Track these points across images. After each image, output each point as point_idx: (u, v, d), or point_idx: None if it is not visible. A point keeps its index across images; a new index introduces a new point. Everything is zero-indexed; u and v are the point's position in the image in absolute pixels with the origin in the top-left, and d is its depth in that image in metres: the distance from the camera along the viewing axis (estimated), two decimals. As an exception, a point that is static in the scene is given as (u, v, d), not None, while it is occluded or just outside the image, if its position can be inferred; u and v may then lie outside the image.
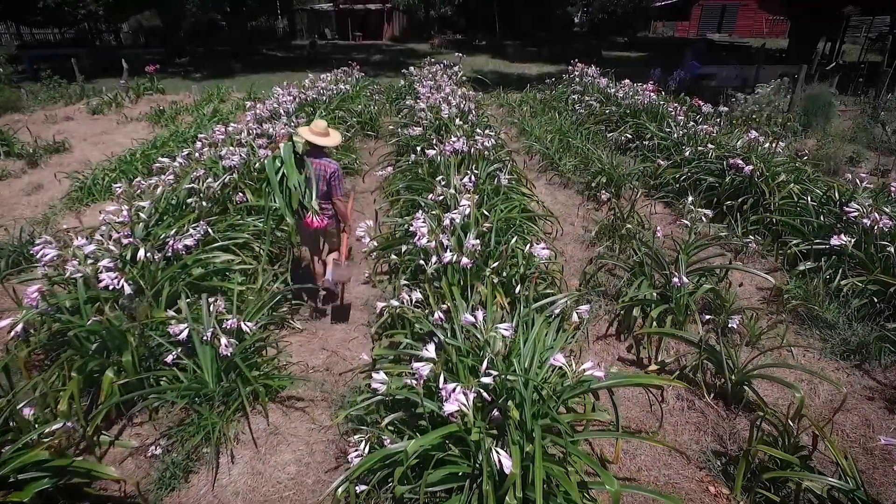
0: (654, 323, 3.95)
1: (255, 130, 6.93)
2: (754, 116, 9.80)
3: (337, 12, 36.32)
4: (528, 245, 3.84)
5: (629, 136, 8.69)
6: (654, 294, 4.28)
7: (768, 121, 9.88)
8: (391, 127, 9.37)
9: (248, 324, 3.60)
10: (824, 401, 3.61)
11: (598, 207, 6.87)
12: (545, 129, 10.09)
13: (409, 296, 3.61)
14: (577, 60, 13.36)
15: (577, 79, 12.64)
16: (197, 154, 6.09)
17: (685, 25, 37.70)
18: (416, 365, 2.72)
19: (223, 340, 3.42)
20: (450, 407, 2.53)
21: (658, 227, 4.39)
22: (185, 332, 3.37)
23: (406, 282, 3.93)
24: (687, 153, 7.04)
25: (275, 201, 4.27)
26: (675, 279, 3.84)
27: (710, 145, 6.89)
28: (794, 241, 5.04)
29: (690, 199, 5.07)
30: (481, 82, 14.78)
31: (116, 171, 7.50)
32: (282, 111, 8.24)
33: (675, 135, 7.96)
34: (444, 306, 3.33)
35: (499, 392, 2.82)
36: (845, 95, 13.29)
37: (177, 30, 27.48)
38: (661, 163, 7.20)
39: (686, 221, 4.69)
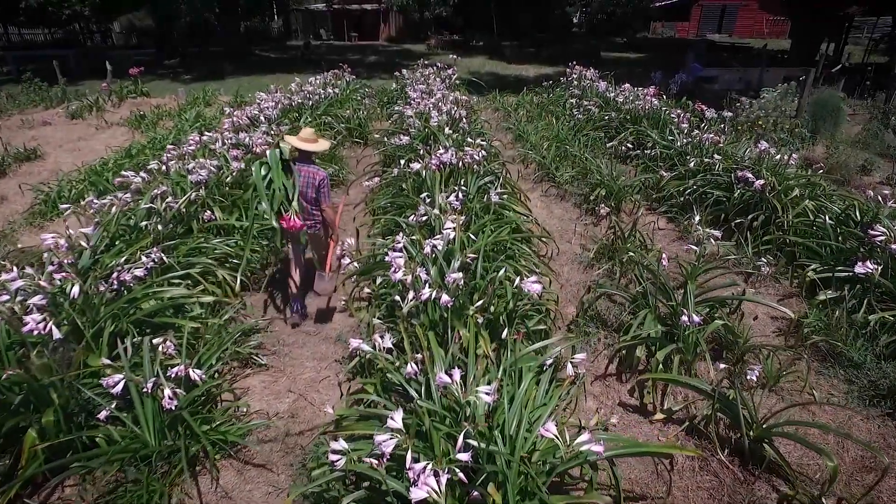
0: (660, 365, 3.51)
1: (231, 140, 6.47)
2: (760, 122, 9.36)
3: (332, 12, 35.85)
4: (518, 278, 3.39)
5: (629, 144, 8.25)
6: (660, 329, 3.83)
7: (774, 127, 9.45)
8: (377, 136, 8.90)
9: (197, 372, 3.15)
10: (854, 457, 3.17)
11: (597, 222, 6.43)
12: (542, 135, 9.65)
13: (382, 339, 3.16)
14: (574, 63, 12.91)
15: (576, 82, 12.19)
16: (164, 167, 5.63)
17: (685, 26, 37.31)
18: (378, 439, 2.27)
19: (167, 392, 2.97)
20: (418, 494, 2.08)
21: (664, 255, 3.95)
22: (121, 385, 2.92)
23: (379, 320, 3.48)
24: (692, 164, 6.59)
25: (262, 205, 4.16)
26: (684, 317, 3.39)
27: (716, 156, 6.45)
28: (812, 267, 4.59)
29: (697, 218, 4.63)
30: (477, 85, 14.34)
31: (85, 183, 7.04)
32: (262, 118, 7.78)
33: (679, 143, 7.51)
34: (419, 356, 2.88)
35: (481, 462, 2.38)
36: (852, 99, 12.87)
37: (170, 30, 26.96)
38: (664, 174, 6.75)
39: (694, 247, 4.25)
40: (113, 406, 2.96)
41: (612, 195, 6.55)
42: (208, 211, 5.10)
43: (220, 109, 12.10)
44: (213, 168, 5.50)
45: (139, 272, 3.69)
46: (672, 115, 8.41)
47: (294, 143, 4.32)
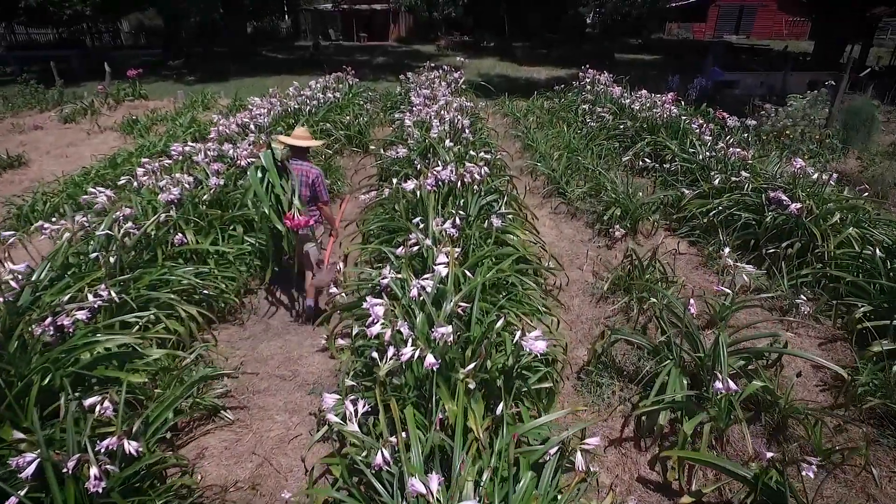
0: (688, 438, 2.94)
1: (214, 152, 5.98)
2: (787, 132, 8.72)
3: (342, 13, 35.44)
4: (520, 331, 2.83)
5: (647, 160, 7.65)
6: (686, 386, 3.26)
7: (802, 137, 8.81)
8: (373, 147, 8.34)
9: (133, 444, 2.63)
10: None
11: (612, 244, 5.85)
12: (552, 143, 9.09)
13: (354, 406, 2.63)
14: (587, 66, 12.29)
15: (589, 86, 11.59)
16: (136, 183, 5.15)
17: (701, 27, 36.45)
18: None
19: (93, 471, 2.46)
20: None
21: (691, 302, 3.37)
22: (33, 466, 2.42)
23: (352, 381, 2.95)
24: (717, 181, 5.99)
25: (263, 209, 4.20)
26: (719, 384, 2.82)
27: (744, 173, 5.84)
28: (862, 309, 3.99)
29: (727, 250, 4.05)
30: (486, 88, 13.77)
31: (62, 195, 6.59)
32: (252, 126, 7.27)
33: (701, 156, 6.91)
34: (394, 439, 2.35)
35: None
36: (883, 105, 12.15)
37: (178, 30, 26.65)
38: (686, 192, 6.16)
39: (727, 290, 3.66)
40: (24, 492, 2.45)
41: (628, 215, 5.97)
42: (180, 234, 4.60)
43: (219, 113, 11.67)
44: (188, 185, 5.01)
45: (81, 314, 3.19)
46: (693, 126, 7.79)
47: (287, 141, 4.38)
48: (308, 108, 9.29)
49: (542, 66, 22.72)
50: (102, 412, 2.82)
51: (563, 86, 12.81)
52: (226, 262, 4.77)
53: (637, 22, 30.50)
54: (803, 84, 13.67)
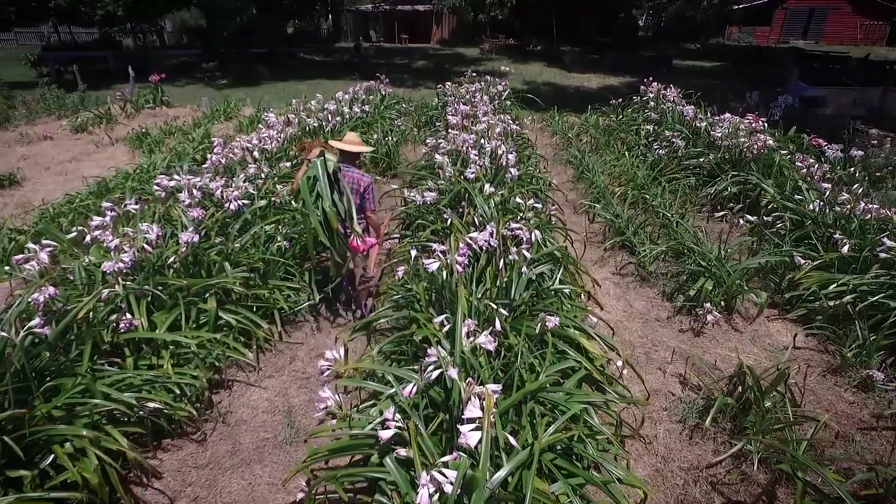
0: None
1: (199, 192, 4.85)
2: (909, 169, 7.06)
3: (384, 13, 34.52)
4: None
5: (742, 212, 6.11)
6: None
7: (925, 174, 7.12)
8: (395, 187, 7.02)
9: None
10: None
11: (699, 329, 4.44)
12: (611, 171, 7.69)
13: None
14: (651, 78, 10.74)
15: (652, 103, 10.06)
16: (87, 238, 4.05)
17: (764, 31, 33.80)
18: None
19: None
20: None
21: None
22: None
23: None
24: (844, 249, 4.49)
25: (311, 223, 3.93)
26: None
27: (887, 241, 4.32)
28: None
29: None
30: (532, 101, 12.37)
31: (30, 233, 5.59)
32: (256, 154, 6.10)
33: (812, 206, 5.38)
34: None
35: None
36: None
37: (217, 30, 26.13)
38: (800, 261, 4.67)
39: None
40: None
41: (722, 288, 4.54)
42: (128, 315, 3.45)
43: (239, 125, 10.68)
44: (151, 242, 3.88)
45: None
46: (798, 164, 6.22)
47: (338, 146, 4.25)
48: (329, 125, 8.12)
49: (592, 72, 21.08)
50: None
51: (620, 100, 11.29)
52: (188, 353, 3.60)
53: (696, 25, 28.42)
54: (905, 101, 11.75)
